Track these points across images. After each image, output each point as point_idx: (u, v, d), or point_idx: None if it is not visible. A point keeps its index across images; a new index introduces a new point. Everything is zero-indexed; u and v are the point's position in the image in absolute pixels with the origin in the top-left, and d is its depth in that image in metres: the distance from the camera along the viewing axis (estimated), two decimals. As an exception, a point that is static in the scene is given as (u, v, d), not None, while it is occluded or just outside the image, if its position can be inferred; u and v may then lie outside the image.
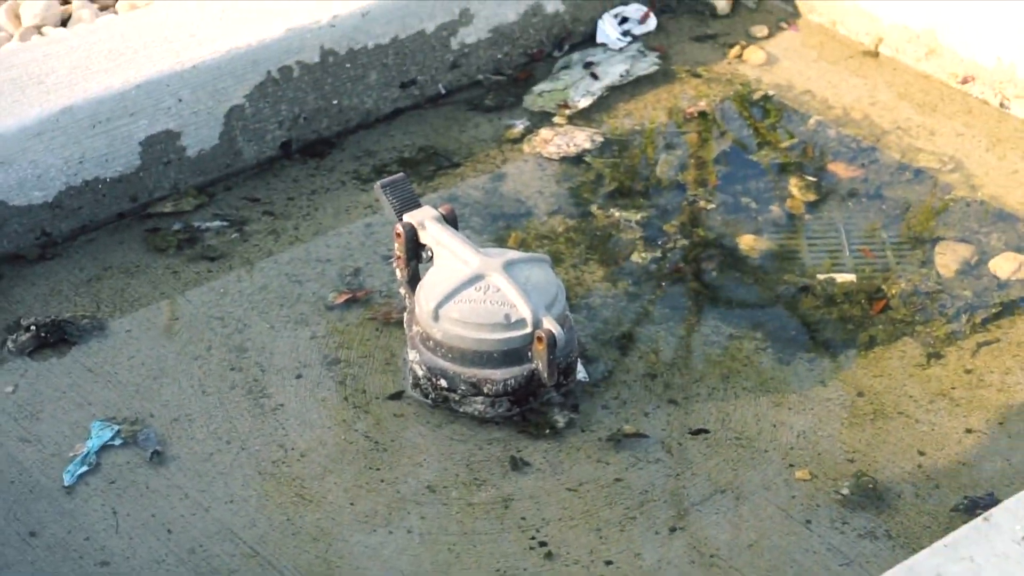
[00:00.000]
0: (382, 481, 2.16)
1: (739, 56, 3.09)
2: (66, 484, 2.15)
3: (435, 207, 2.34)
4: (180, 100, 2.66)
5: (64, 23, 3.26)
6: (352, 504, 2.12)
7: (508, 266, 2.25)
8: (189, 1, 2.84)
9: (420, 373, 2.26)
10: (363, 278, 2.52)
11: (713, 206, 2.69)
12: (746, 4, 3.23)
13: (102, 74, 2.63)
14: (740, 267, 2.56)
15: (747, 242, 2.61)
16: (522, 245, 2.58)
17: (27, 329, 2.39)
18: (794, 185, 2.74)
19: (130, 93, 2.61)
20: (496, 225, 2.64)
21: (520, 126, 2.88)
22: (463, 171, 2.78)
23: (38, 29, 3.22)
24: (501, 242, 2.59)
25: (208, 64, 2.68)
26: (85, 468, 2.17)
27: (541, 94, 2.96)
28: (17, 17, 3.26)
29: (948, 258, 2.55)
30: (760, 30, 3.16)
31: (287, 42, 2.76)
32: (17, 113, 2.54)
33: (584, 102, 2.94)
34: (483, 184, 2.74)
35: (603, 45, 3.10)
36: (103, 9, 3.30)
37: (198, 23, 2.76)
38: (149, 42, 2.71)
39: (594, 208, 2.68)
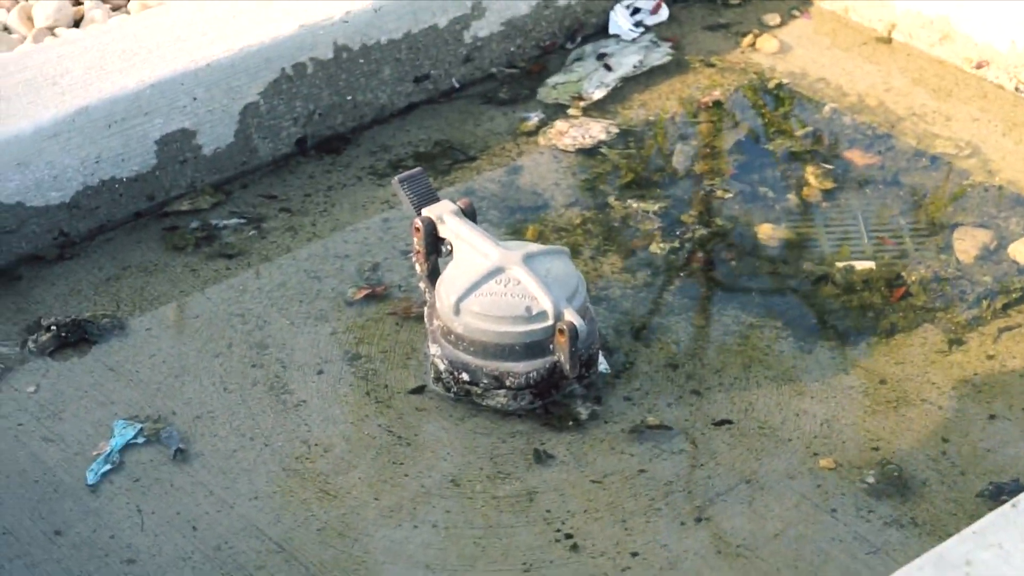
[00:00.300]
0: (406, 475, 2.16)
1: (752, 45, 3.08)
2: (89, 483, 2.15)
3: (453, 201, 2.33)
4: (195, 99, 2.66)
5: (76, 24, 3.26)
6: (376, 499, 2.12)
7: (528, 258, 2.25)
8: (201, 0, 2.85)
9: (442, 367, 2.26)
10: (382, 273, 2.52)
11: (730, 195, 2.69)
12: (758, -7, 3.23)
13: (116, 74, 2.63)
14: (758, 256, 2.56)
15: (765, 231, 2.61)
16: (540, 237, 2.57)
17: (48, 329, 2.39)
18: (810, 173, 2.74)
19: (145, 92, 2.61)
20: (513, 218, 2.64)
21: (535, 119, 2.88)
22: (479, 164, 2.77)
23: (51, 30, 3.22)
24: (518, 235, 2.59)
25: (222, 62, 2.68)
26: (108, 467, 2.17)
27: (555, 86, 2.96)
28: (30, 19, 3.26)
29: (967, 244, 2.55)
30: (772, 18, 3.15)
31: (300, 39, 2.75)
32: (32, 115, 2.54)
33: (598, 94, 2.93)
34: (499, 177, 2.74)
35: (616, 36, 3.10)
36: (115, 9, 3.30)
37: (211, 22, 2.76)
38: (162, 42, 2.71)
39: (611, 199, 2.68)
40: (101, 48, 2.70)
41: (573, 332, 2.18)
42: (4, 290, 2.50)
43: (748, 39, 3.09)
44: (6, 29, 3.26)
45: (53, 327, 2.39)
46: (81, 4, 3.32)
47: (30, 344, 2.38)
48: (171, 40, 2.71)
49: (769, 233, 2.60)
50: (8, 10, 3.31)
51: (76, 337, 2.39)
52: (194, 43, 2.70)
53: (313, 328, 2.41)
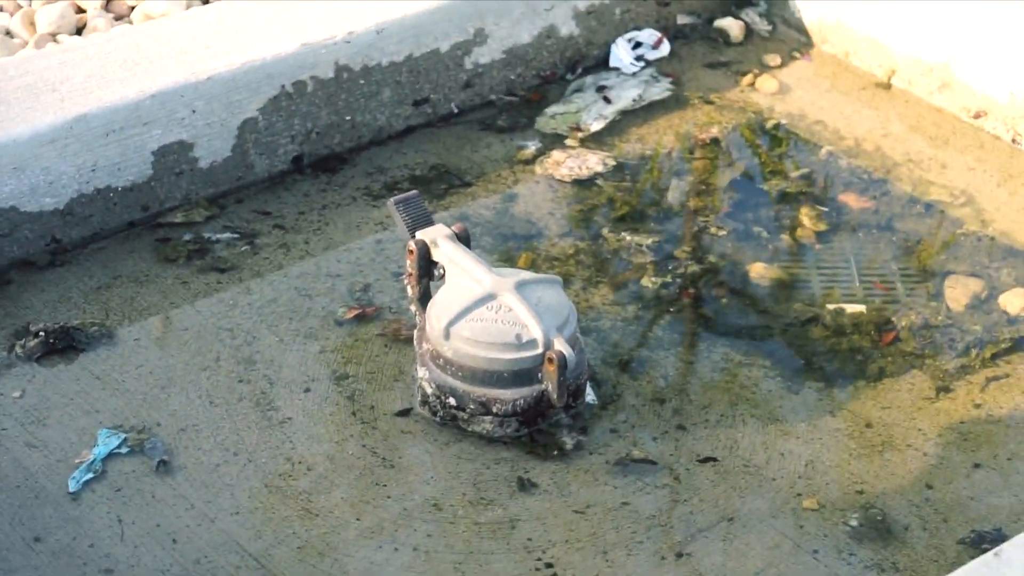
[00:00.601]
0: (388, 497, 2.15)
1: (752, 84, 3.09)
2: (71, 491, 2.14)
3: (448, 225, 2.34)
4: (194, 111, 2.66)
5: (79, 31, 3.26)
6: (358, 519, 2.12)
7: (520, 286, 2.25)
8: (204, 14, 2.85)
9: (429, 391, 2.26)
10: (373, 294, 2.52)
11: (724, 233, 2.69)
12: (759, 32, 3.24)
13: (117, 83, 2.63)
14: (750, 295, 2.56)
15: (757, 270, 2.61)
16: (532, 266, 2.57)
17: (36, 335, 2.38)
18: (804, 214, 2.74)
19: (144, 103, 2.62)
20: (506, 245, 2.64)
21: (532, 147, 2.88)
22: (474, 191, 2.78)
23: (53, 37, 3.22)
24: (511, 262, 2.59)
25: (223, 76, 2.68)
26: (91, 475, 2.16)
27: (554, 116, 2.97)
28: (32, 24, 3.26)
29: (958, 292, 2.56)
30: (773, 59, 3.16)
31: (302, 57, 2.76)
32: (31, 120, 2.54)
33: (596, 125, 2.94)
34: (494, 204, 2.74)
35: (616, 69, 3.11)
36: (118, 19, 3.30)
37: (213, 36, 2.76)
38: (164, 53, 2.71)
39: (604, 231, 2.68)
40: (102, 56, 2.70)
41: (562, 361, 2.18)
42: (-6, 294, 2.50)
43: (748, 78, 3.10)
44: (8, 33, 3.26)
45: (41, 333, 2.38)
46: (84, 12, 3.32)
47: (17, 349, 2.37)
48: (173, 52, 2.71)
49: (761, 272, 2.61)
50: (11, 14, 3.31)
51: (64, 344, 2.38)
52: (196, 56, 2.70)
53: (302, 346, 2.41)
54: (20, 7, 3.33)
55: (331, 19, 2.82)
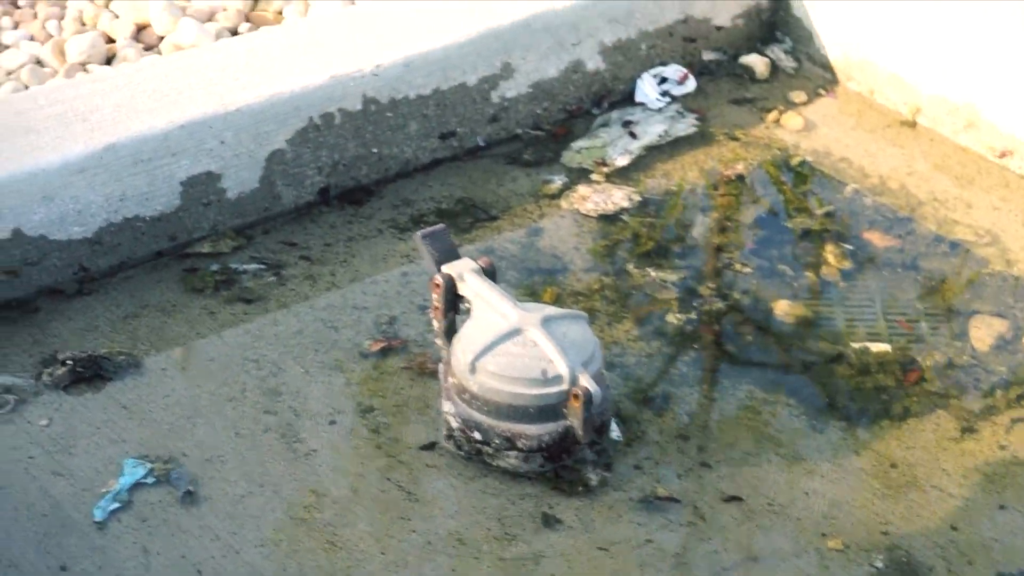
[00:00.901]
0: (413, 531, 2.16)
1: (777, 121, 3.10)
2: (96, 520, 2.15)
3: (473, 259, 2.34)
4: (222, 142, 2.67)
5: (109, 61, 3.28)
6: (382, 553, 2.12)
7: (546, 321, 2.26)
8: (233, 45, 2.87)
9: (454, 425, 2.27)
10: (398, 327, 2.53)
11: (748, 270, 2.70)
12: (785, 69, 3.25)
13: (146, 113, 2.65)
14: (774, 332, 2.56)
15: (782, 307, 2.61)
16: (557, 301, 2.58)
17: (63, 363, 2.39)
18: (829, 252, 2.75)
19: (173, 133, 2.63)
20: (532, 279, 2.65)
21: (558, 182, 2.89)
22: (500, 224, 2.78)
23: (83, 66, 3.24)
24: (536, 297, 2.59)
25: (252, 107, 2.70)
26: (116, 505, 2.17)
27: (580, 151, 2.98)
28: (62, 54, 3.28)
29: (983, 332, 2.56)
30: (798, 96, 3.17)
31: (330, 89, 2.77)
32: (61, 149, 2.56)
33: (622, 161, 2.95)
34: (520, 238, 2.75)
35: (642, 104, 3.12)
36: (148, 49, 3.32)
37: (242, 67, 2.77)
38: (193, 83, 2.73)
39: (629, 267, 2.69)
40: (132, 87, 2.71)
41: (587, 397, 2.18)
42: (22, 322, 2.50)
43: (773, 115, 3.11)
44: (39, 63, 3.28)
45: (69, 361, 2.39)
46: (114, 42, 3.34)
47: (45, 377, 2.38)
48: (202, 82, 2.73)
49: (785, 310, 2.61)
50: (42, 43, 3.33)
51: (91, 373, 2.39)
52: (225, 87, 2.72)
53: (327, 378, 2.42)
54: (51, 36, 3.35)
55: (359, 52, 2.83)
